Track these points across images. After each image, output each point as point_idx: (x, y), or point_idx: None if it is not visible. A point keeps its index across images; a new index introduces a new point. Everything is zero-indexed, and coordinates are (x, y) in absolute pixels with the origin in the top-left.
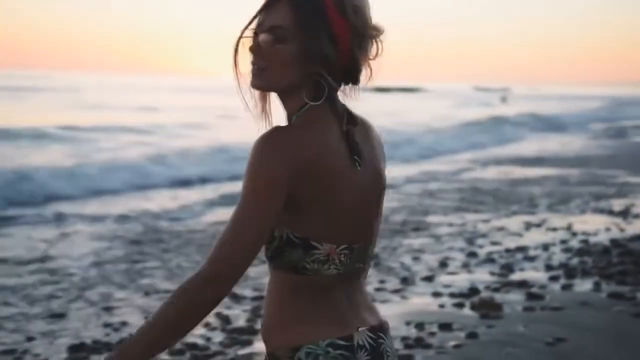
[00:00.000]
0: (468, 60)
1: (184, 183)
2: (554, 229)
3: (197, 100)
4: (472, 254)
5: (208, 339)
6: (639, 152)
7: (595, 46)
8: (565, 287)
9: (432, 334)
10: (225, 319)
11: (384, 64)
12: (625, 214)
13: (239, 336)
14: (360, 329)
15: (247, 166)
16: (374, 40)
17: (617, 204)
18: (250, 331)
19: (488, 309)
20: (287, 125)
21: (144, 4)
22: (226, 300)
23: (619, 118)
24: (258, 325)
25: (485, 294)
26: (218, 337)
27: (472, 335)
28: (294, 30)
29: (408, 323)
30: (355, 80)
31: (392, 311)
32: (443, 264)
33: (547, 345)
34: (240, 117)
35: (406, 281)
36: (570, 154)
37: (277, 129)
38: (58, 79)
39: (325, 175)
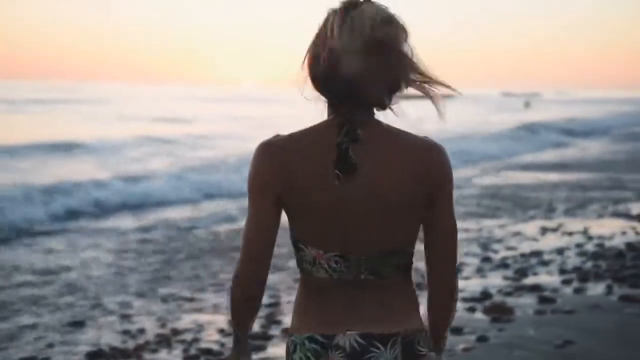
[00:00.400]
0: (497, 64)
1: (212, 194)
2: (570, 234)
3: (224, 109)
4: (487, 259)
5: (222, 345)
6: None
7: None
8: (578, 291)
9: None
10: None
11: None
12: None
13: (252, 341)
14: (348, 332)
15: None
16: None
17: (635, 208)
18: (264, 337)
19: (499, 313)
20: (284, 134)
21: (163, 14)
22: None
23: None
24: (272, 332)
25: (497, 298)
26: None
27: (482, 339)
28: None
29: None
30: (334, 97)
31: None
32: (457, 269)
33: (556, 347)
34: (269, 126)
35: (419, 286)
36: (591, 159)
37: (274, 138)
38: (85, 90)
39: (302, 184)
